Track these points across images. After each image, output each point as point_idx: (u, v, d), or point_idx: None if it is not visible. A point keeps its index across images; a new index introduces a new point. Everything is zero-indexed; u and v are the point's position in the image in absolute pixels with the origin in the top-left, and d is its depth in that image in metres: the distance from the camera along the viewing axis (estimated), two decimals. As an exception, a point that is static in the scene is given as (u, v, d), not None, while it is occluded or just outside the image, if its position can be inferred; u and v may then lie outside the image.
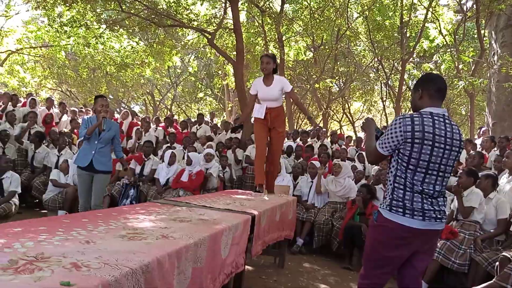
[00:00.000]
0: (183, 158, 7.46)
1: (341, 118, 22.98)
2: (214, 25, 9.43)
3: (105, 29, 10.99)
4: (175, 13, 9.21)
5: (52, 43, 12.51)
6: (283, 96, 4.84)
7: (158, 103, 24.18)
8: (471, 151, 6.74)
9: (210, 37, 8.74)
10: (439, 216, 2.26)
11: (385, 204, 2.30)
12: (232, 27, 8.37)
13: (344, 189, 5.91)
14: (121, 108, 24.68)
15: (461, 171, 4.70)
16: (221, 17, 9.24)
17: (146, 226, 2.12)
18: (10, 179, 5.56)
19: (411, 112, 2.39)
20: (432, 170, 2.19)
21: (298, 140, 9.44)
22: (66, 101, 24.60)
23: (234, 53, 9.03)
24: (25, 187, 6.68)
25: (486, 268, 3.93)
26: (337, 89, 19.04)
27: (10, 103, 8.56)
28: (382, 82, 17.13)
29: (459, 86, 10.94)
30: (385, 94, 18.41)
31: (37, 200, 6.92)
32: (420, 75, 2.73)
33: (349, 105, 21.66)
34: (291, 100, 4.99)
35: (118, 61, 13.52)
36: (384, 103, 18.67)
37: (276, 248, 4.70)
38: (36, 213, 6.57)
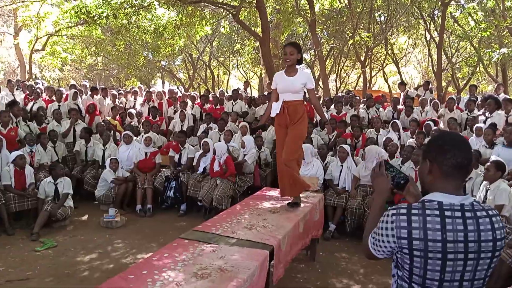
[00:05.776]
0: (219, 141, 7.73)
1: (384, 60, 22.02)
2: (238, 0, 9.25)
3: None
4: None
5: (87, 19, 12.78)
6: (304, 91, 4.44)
7: (196, 60, 24.30)
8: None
9: (234, 13, 8.61)
10: None
11: None
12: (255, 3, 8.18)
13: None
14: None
15: (489, 163, 4.59)
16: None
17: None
18: (63, 183, 6.18)
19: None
20: None
21: (332, 107, 9.36)
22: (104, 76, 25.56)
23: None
24: (77, 179, 7.35)
25: (511, 264, 4.00)
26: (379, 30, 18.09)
27: (54, 97, 9.10)
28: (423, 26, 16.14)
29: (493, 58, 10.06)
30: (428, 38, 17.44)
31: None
32: (431, 136, 1.74)
33: (392, 44, 20.63)
34: (308, 98, 4.72)
35: (152, 29, 13.67)
36: (430, 47, 17.72)
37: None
38: (91, 206, 7.20)
